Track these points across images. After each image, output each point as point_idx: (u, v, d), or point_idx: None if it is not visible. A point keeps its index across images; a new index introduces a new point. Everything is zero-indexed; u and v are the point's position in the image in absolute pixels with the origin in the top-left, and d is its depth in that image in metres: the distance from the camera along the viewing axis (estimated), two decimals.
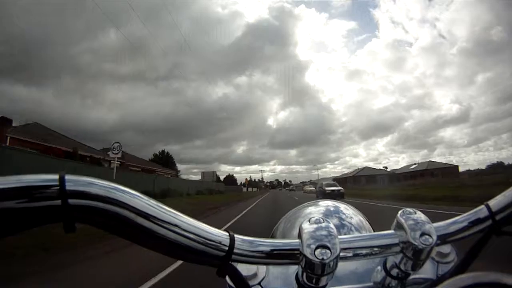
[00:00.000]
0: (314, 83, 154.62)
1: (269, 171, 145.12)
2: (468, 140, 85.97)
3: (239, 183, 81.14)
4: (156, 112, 77.52)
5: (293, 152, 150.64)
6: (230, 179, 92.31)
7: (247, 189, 71.45)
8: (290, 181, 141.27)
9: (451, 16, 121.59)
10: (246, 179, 41.24)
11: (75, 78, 60.30)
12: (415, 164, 43.11)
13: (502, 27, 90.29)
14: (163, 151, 44.67)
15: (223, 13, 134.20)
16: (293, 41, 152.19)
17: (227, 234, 0.27)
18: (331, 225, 0.28)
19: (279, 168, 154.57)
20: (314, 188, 29.53)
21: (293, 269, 0.34)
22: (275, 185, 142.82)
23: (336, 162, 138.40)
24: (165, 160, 39.73)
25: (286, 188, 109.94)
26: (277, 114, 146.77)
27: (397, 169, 46.96)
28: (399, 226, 0.29)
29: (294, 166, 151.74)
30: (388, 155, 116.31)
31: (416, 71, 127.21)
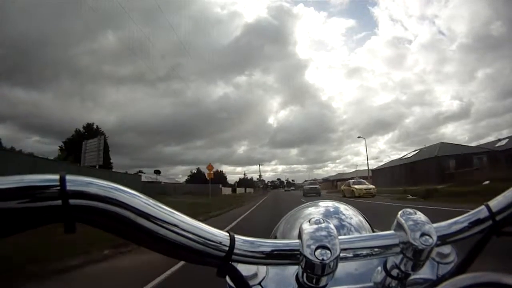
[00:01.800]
0: (314, 82, 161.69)
1: (270, 171, 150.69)
2: (469, 136, 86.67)
3: (232, 183, 76.26)
4: (156, 113, 79.31)
5: (294, 151, 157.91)
6: (219, 176, 64.13)
7: (234, 191, 46.70)
8: (293, 180, 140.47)
9: (450, 13, 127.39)
10: (210, 166, 19.97)
11: (74, 80, 60.07)
12: (504, 138, 29.36)
13: (502, 22, 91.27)
14: (89, 124, 32.27)
15: (222, 13, 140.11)
16: (292, 40, 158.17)
17: (227, 234, 0.28)
18: (331, 226, 0.29)
19: (280, 168, 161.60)
20: (373, 186, 19.61)
21: (293, 269, 0.35)
22: (277, 184, 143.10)
23: (338, 161, 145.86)
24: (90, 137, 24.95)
25: (291, 188, 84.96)
26: (277, 113, 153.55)
27: (472, 147, 31.41)
28: (399, 227, 0.30)
29: (295, 166, 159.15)
30: (389, 153, 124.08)
31: (416, 67, 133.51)
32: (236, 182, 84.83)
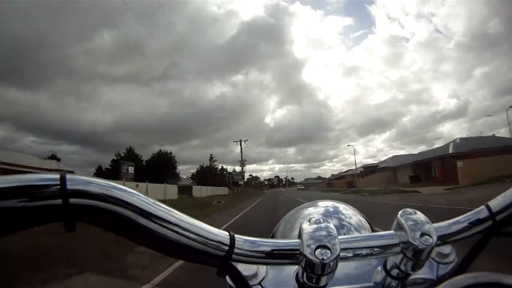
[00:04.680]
0: (311, 81, 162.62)
1: (267, 170, 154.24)
2: (466, 134, 67.51)
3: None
4: (152, 112, 78.41)
5: (291, 151, 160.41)
6: (164, 163, 42.78)
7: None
8: (292, 178, 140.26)
9: (447, 11, 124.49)
10: None
11: (69, 80, 60.35)
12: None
13: (500, 20, 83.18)
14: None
15: (219, 12, 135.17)
16: (289, 38, 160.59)
17: (228, 234, 0.31)
18: (331, 226, 0.32)
19: (277, 167, 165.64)
20: None
21: (293, 269, 0.38)
22: (274, 183, 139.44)
23: (335, 160, 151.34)
24: None
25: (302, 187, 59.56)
26: (274, 113, 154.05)
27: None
28: (399, 227, 0.33)
29: (292, 165, 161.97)
30: (387, 152, 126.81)
31: (413, 66, 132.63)
32: (192, 174, 45.47)
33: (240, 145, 43.54)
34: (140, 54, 65.52)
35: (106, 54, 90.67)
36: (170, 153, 45.97)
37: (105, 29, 79.40)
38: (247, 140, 44.41)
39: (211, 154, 52.00)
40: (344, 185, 49.17)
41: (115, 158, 39.46)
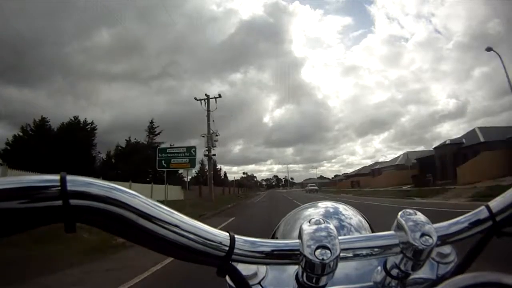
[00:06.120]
0: (310, 80, 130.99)
1: (266, 170, 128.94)
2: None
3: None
4: (149, 111, 73.20)
5: (289, 151, 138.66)
6: (75, 141, 24.86)
7: None
8: (291, 178, 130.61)
9: (447, 11, 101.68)
10: None
11: (67, 78, 58.84)
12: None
13: (500, 20, 78.85)
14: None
15: (218, 11, 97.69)
16: (288, 38, 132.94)
17: (228, 234, 0.32)
18: (331, 226, 0.33)
19: (276, 167, 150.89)
20: None
21: (293, 269, 0.40)
22: (273, 184, 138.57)
23: (333, 160, 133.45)
24: None
25: (314, 187, 65.16)
26: (272, 112, 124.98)
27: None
28: (399, 227, 0.34)
29: (291, 165, 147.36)
30: (385, 152, 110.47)
31: (412, 66, 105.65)
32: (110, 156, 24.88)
33: (208, 103, 20.93)
34: (139, 52, 71.97)
35: (104, 53, 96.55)
36: (91, 123, 26.77)
37: (103, 29, 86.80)
38: (219, 96, 21.73)
39: (151, 121, 30.49)
40: (402, 181, 29.46)
41: (19, 134, 25.55)
